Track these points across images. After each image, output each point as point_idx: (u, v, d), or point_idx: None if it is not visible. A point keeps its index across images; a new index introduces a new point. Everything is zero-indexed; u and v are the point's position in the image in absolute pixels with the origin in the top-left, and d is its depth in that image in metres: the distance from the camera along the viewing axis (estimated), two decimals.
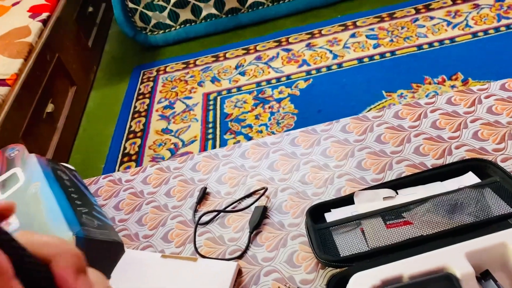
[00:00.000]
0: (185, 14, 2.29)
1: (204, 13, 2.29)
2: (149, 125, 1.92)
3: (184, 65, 2.22)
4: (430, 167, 0.69)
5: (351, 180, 0.71)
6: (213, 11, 2.28)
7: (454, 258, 0.50)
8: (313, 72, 1.92)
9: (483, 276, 0.51)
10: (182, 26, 2.34)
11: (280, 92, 1.87)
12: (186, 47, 2.37)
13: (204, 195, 0.78)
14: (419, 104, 0.81)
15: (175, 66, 2.24)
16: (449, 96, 0.81)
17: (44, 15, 1.95)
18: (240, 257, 0.66)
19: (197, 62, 2.21)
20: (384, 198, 0.66)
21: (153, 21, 2.30)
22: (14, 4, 2.08)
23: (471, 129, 0.73)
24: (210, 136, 1.77)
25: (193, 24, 2.33)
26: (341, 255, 0.59)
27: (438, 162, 0.69)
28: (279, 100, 1.84)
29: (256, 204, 0.73)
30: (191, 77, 2.13)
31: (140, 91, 2.13)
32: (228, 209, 0.74)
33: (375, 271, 0.51)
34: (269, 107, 1.82)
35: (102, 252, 0.65)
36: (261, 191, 0.75)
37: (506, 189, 0.60)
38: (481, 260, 0.51)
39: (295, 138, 0.83)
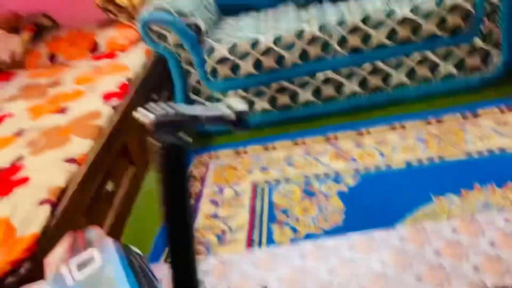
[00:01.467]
0: None
1: (257, 107, 2.44)
2: (198, 208, 1.99)
3: (235, 153, 2.33)
4: None
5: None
6: (267, 106, 2.43)
7: None
8: (361, 170, 1.97)
9: None
10: None
11: (328, 187, 1.92)
12: (237, 136, 2.49)
13: None
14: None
15: (225, 153, 2.36)
16: None
17: (115, 101, 2.15)
18: None
19: (248, 151, 2.32)
20: None
21: None
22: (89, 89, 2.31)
23: None
24: (256, 225, 1.81)
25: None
26: None
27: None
28: (326, 195, 1.88)
29: None
30: (240, 164, 2.23)
31: (192, 174, 2.24)
32: None
33: None
34: (316, 201, 1.86)
35: None
36: None
37: None
38: None
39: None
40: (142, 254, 0.90)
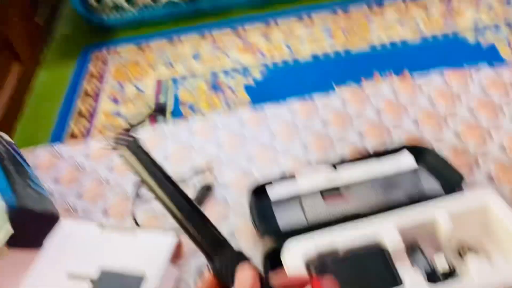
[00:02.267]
0: None
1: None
2: (98, 107, 1.86)
3: (138, 48, 2.16)
4: (371, 152, 0.71)
5: (296, 160, 0.73)
6: None
7: (386, 232, 0.52)
8: (269, 63, 1.93)
9: (413, 246, 0.53)
10: (138, 9, 2.28)
11: (235, 81, 1.87)
12: (141, 30, 2.31)
13: None
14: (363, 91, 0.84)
15: (129, 48, 2.18)
16: (392, 84, 0.84)
17: None
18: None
19: (152, 46, 2.16)
20: (324, 175, 0.67)
21: (109, 2, 2.22)
22: None
23: (411, 116, 0.77)
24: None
25: (150, 8, 2.28)
26: (281, 229, 0.59)
27: (379, 144, 0.72)
28: (233, 89, 1.83)
29: (201, 181, 0.73)
30: (144, 60, 2.08)
31: (90, 72, 2.06)
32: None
33: (309, 244, 0.52)
34: (223, 95, 1.81)
35: (36, 222, 0.62)
36: (207, 169, 0.74)
37: (438, 171, 0.63)
38: (411, 234, 0.53)
39: (242, 118, 0.83)
40: (9, 139, 0.79)
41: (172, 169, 0.75)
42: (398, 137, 0.73)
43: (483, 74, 0.82)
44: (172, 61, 2.04)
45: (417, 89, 0.82)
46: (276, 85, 1.82)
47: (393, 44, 1.89)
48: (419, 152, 0.68)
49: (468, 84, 0.81)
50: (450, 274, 0.49)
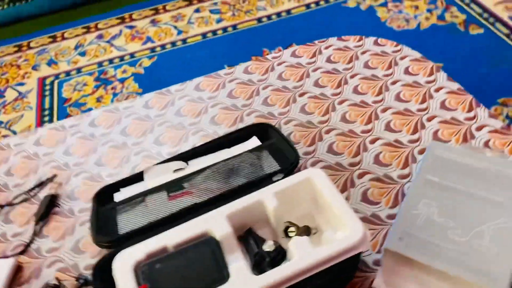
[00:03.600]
0: None
1: None
2: None
3: (16, 48, 2.00)
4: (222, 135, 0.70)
5: (147, 156, 0.70)
6: None
7: (216, 222, 0.51)
8: (158, 49, 1.87)
9: (246, 234, 0.53)
10: (11, 4, 2.09)
11: (123, 72, 1.79)
12: (19, 28, 2.13)
13: None
14: (219, 75, 0.82)
15: (5, 50, 2.00)
16: (247, 66, 0.83)
17: None
18: (22, 252, 0.61)
19: (32, 44, 2.00)
20: (175, 171, 0.65)
21: None
22: None
23: (262, 96, 0.76)
24: (46, 125, 1.62)
25: (23, 2, 2.10)
26: (119, 235, 0.57)
27: (231, 130, 0.71)
28: (122, 80, 1.75)
29: (45, 193, 0.68)
30: (24, 61, 1.93)
31: None
32: (12, 201, 0.67)
33: (139, 247, 0.50)
34: (112, 88, 1.73)
35: None
36: (51, 179, 0.70)
37: (280, 149, 0.63)
38: (243, 220, 0.53)
39: (94, 119, 0.78)
40: None
41: (16, 182, 0.69)
42: (249, 118, 0.73)
43: (331, 45, 0.84)
44: (55, 59, 1.91)
45: (270, 67, 0.82)
46: (165, 71, 1.76)
47: (279, 16, 1.90)
48: (265, 131, 0.67)
49: (316, 57, 0.82)
50: (278, 255, 0.50)
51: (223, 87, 0.80)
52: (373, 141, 0.66)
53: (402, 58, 0.77)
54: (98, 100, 1.69)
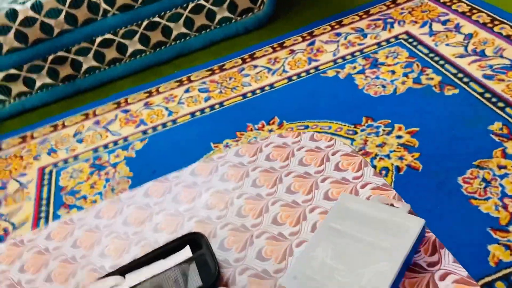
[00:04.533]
0: (17, 87, 2.22)
1: (38, 84, 2.23)
2: None
3: (21, 139, 2.13)
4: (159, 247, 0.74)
5: (91, 270, 0.74)
6: (48, 80, 2.24)
7: None
8: (149, 131, 1.96)
9: None
10: (17, 99, 2.26)
11: (116, 156, 1.88)
12: (24, 119, 2.28)
13: None
14: (167, 179, 0.87)
15: (11, 141, 2.14)
16: (194, 167, 0.88)
17: None
18: None
19: (34, 135, 2.13)
20: (112, 287, 0.69)
21: None
22: None
23: (203, 199, 0.80)
24: (42, 215, 1.70)
25: (28, 96, 2.26)
26: None
27: (171, 237, 0.74)
28: (114, 165, 1.83)
29: None
30: (27, 151, 2.04)
31: None
32: None
33: None
34: (105, 173, 1.81)
35: None
36: None
37: (206, 262, 0.66)
38: None
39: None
40: None
41: (28, 278, 0.74)
42: (190, 223, 0.76)
43: (270, 143, 0.88)
44: (55, 147, 2.02)
45: (214, 168, 0.87)
46: (155, 153, 1.84)
47: (263, 90, 1.98)
48: (198, 240, 0.71)
49: (257, 155, 0.86)
50: None
51: (169, 192, 0.84)
52: (299, 244, 0.68)
53: (333, 154, 0.81)
54: (92, 186, 1.77)
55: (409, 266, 0.61)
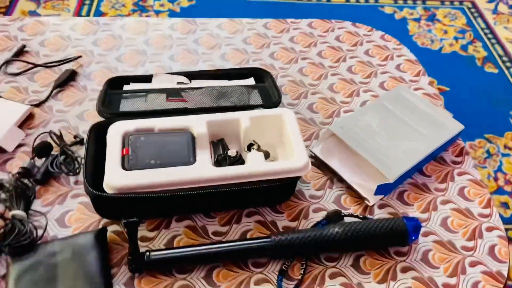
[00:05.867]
0: None
1: None
2: (16, 3, 1.81)
3: None
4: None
5: (160, 66, 0.81)
6: None
7: (197, 123, 0.63)
8: None
9: (218, 141, 0.65)
10: None
11: (161, 5, 1.89)
12: None
13: (21, 52, 0.83)
14: (241, 22, 0.93)
15: None
16: (267, 22, 0.94)
17: None
18: (37, 105, 0.73)
19: None
20: (178, 83, 0.77)
21: None
22: None
23: (270, 50, 0.87)
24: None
25: None
26: (119, 111, 0.69)
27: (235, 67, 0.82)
28: (157, 12, 1.86)
29: (67, 67, 0.80)
30: None
31: None
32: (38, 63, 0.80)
33: (132, 121, 0.62)
34: (146, 16, 1.83)
35: None
36: (75, 57, 0.81)
37: (268, 93, 0.74)
38: (218, 129, 0.64)
39: (125, 24, 0.90)
40: None
41: (45, 53, 0.81)
42: (254, 63, 0.83)
43: (342, 27, 0.94)
44: None
45: (286, 29, 0.93)
46: (198, 15, 1.86)
47: (319, 0, 1.98)
48: (261, 75, 0.78)
49: (327, 33, 0.92)
50: (237, 161, 0.61)
51: (241, 33, 0.91)
52: (347, 111, 0.77)
53: (398, 56, 0.88)
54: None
55: (436, 157, 0.71)
